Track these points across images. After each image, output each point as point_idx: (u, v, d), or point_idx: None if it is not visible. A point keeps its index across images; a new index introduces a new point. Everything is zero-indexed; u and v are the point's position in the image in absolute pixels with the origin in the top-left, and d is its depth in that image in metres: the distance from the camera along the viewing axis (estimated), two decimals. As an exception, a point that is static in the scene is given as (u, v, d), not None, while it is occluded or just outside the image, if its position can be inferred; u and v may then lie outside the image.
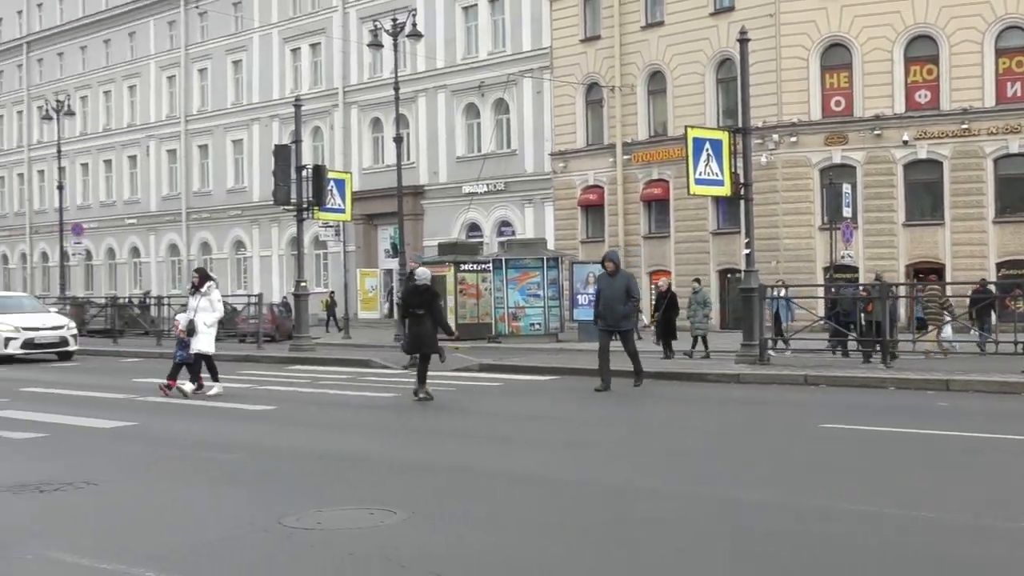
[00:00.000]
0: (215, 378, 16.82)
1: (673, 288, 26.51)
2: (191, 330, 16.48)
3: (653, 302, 27.85)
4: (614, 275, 16.48)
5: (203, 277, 17.29)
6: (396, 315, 21.56)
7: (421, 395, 15.36)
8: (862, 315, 21.64)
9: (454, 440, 11.86)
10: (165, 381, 16.57)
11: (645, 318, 26.54)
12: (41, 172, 68.09)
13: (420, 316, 15.76)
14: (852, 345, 21.61)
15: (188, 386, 16.38)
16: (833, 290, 25.51)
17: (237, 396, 16.53)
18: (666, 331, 24.25)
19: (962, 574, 5.94)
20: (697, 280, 28.28)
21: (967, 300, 24.88)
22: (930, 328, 22.66)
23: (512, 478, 8.99)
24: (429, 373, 15.70)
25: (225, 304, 35.37)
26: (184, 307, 17.81)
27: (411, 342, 16.10)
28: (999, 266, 34.53)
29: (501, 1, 46.69)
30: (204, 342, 16.57)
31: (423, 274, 16.50)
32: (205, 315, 16.66)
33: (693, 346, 24.38)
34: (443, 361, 16.43)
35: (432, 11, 48.04)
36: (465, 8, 47.96)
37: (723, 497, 7.89)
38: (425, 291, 15.93)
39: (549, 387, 17.78)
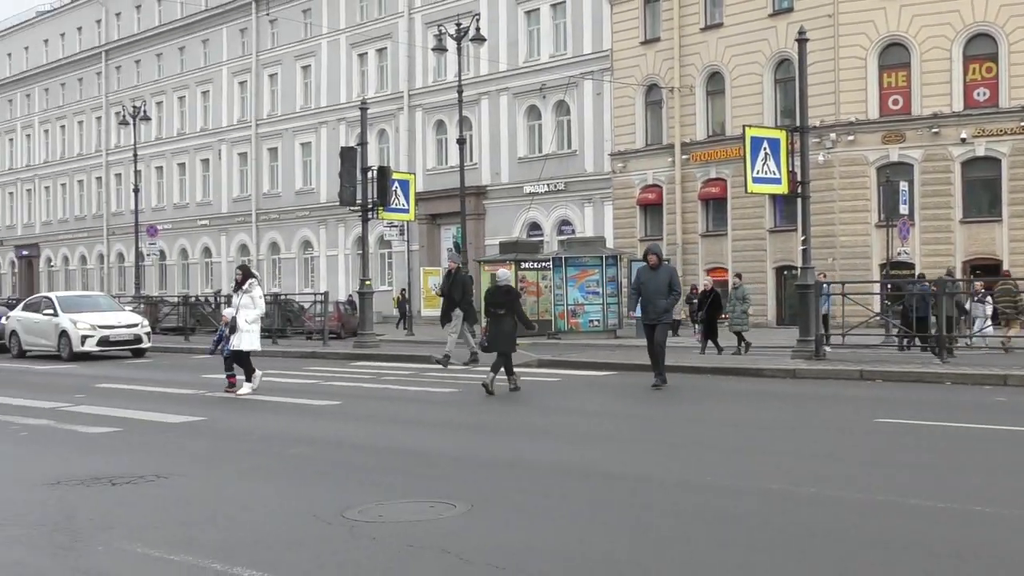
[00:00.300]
0: (249, 378, 16.37)
1: (718, 288, 26.54)
2: (232, 327, 16.21)
3: (696, 301, 27.64)
4: (656, 268, 15.89)
5: (246, 274, 16.81)
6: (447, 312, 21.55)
7: (484, 383, 15.60)
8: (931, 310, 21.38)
9: (513, 435, 11.85)
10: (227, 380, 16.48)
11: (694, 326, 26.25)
12: (118, 175, 69.02)
13: (501, 316, 16.07)
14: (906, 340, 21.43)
15: (245, 387, 16.10)
16: (889, 287, 25.27)
17: (303, 391, 16.64)
18: (709, 329, 24.36)
19: (941, 558, 5.90)
20: (738, 276, 28.21)
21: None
22: (988, 323, 22.39)
23: (571, 472, 8.95)
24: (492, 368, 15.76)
25: (292, 302, 36.34)
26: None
27: (491, 340, 16.32)
28: (1056, 261, 33.99)
29: (563, 5, 46.65)
30: (247, 340, 16.21)
31: (504, 275, 16.92)
32: (247, 312, 16.26)
33: (739, 343, 24.38)
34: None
35: (495, 15, 48.08)
36: (527, 12, 47.98)
37: (780, 492, 7.81)
38: (508, 291, 16.33)
39: (607, 383, 17.71)
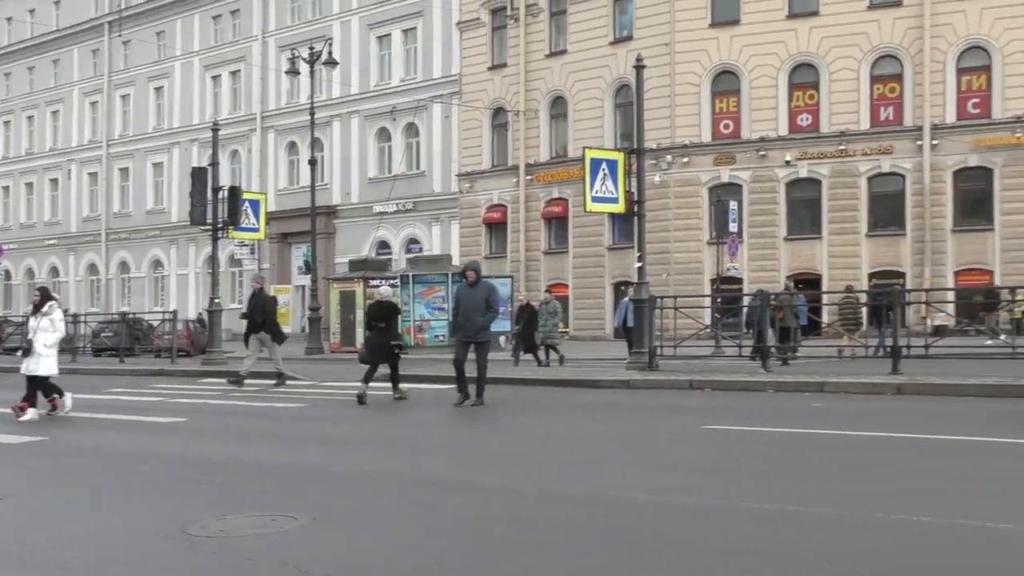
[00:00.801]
0: (60, 395, 15.23)
1: (532, 302, 26.68)
2: (27, 350, 15.20)
3: (514, 316, 27.62)
4: (474, 285, 15.27)
5: (44, 296, 15.58)
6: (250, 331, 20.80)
7: (398, 395, 16.16)
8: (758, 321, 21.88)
9: (360, 447, 11.73)
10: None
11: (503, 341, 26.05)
12: (-37, 194, 66.52)
13: (382, 329, 16.30)
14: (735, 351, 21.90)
15: (30, 413, 14.77)
16: (718, 300, 25.86)
17: (148, 409, 16.19)
18: (527, 343, 24.49)
19: (817, 565, 5.93)
20: (548, 291, 28.67)
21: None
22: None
23: (419, 484, 8.84)
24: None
25: (141, 321, 35.42)
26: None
27: (370, 352, 16.52)
28: (871, 276, 35.40)
29: (414, 31, 46.85)
30: (46, 364, 15.09)
31: (386, 291, 17.35)
32: (45, 336, 15.13)
33: (547, 355, 24.55)
34: (280, 385, 18.07)
35: (347, 40, 48.02)
36: (379, 37, 48.04)
37: (605, 497, 7.84)
38: (390, 307, 16.59)
39: (450, 396, 17.62)
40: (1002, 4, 35.05)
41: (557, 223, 41.90)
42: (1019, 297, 25.33)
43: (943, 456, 9.68)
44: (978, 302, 30.15)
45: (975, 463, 9.18)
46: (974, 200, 35.89)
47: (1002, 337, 22.52)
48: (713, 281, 35.04)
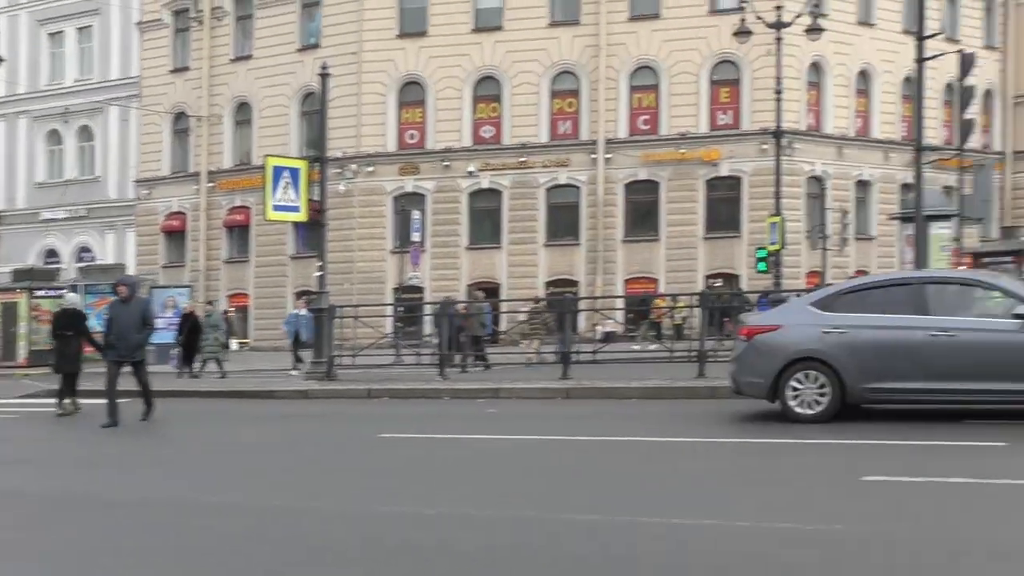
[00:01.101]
0: None
1: (196, 311, 26.05)
2: None
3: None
4: (128, 301, 14.29)
5: None
6: None
7: (60, 411, 15.61)
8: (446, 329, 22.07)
9: (10, 467, 11.05)
10: None
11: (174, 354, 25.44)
12: None
13: (68, 337, 15.87)
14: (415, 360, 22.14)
15: None
16: (399, 308, 25.97)
17: None
18: (188, 352, 24.05)
19: (485, 564, 6.05)
20: (210, 303, 28.34)
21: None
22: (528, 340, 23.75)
23: (69, 500, 8.44)
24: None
25: None
26: None
27: (60, 363, 16.06)
28: (548, 284, 36.68)
29: (89, 29, 44.98)
30: None
31: (72, 298, 17.17)
32: None
33: (203, 367, 24.06)
34: None
35: (15, 35, 45.55)
36: (52, 34, 45.79)
37: (267, 507, 7.76)
38: (74, 315, 16.20)
39: (123, 409, 16.95)
40: (669, 28, 37.21)
41: (239, 231, 41.14)
42: (680, 303, 27.04)
43: (616, 455, 10.18)
44: (642, 310, 31.79)
45: (611, 458, 9.77)
46: (643, 212, 37.89)
47: (649, 345, 23.96)
48: (396, 290, 35.35)
